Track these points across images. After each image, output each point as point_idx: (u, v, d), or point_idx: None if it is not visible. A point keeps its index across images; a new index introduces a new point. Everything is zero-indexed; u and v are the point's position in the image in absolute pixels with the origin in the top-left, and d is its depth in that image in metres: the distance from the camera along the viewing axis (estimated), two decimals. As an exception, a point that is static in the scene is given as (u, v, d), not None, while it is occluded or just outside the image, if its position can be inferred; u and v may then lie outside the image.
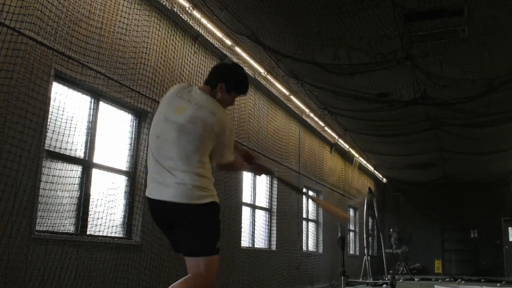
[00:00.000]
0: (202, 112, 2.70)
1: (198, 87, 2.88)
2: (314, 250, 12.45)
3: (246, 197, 8.84)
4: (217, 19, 6.52)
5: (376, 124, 10.96)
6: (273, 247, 9.67)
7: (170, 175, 2.62)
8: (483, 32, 6.76)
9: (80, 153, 5.12)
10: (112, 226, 5.41)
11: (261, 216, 9.57)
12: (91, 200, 5.16)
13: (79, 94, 5.14)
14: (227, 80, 2.85)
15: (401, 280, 14.74)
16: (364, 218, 14.48)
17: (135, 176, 5.82)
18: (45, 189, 4.54)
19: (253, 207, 9.16)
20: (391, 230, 18.94)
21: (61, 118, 4.78)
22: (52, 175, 4.65)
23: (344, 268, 8.72)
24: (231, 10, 6.25)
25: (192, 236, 2.64)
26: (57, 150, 4.72)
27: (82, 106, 5.17)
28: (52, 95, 4.65)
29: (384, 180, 19.55)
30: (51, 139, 4.65)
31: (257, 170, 3.23)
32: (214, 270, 2.64)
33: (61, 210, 4.75)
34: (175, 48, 6.40)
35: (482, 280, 13.99)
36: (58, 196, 4.72)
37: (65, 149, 4.82)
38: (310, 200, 12.42)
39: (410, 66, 7.56)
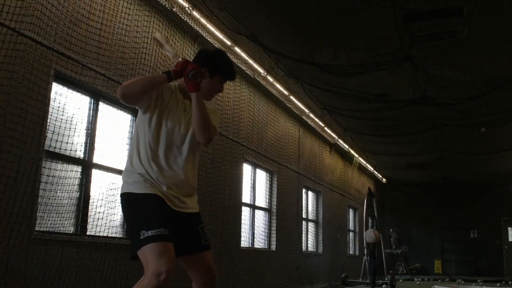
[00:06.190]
0: None
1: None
2: (314, 250, 12.45)
3: (246, 197, 8.84)
4: (216, 19, 6.52)
5: (375, 124, 10.96)
6: (273, 247, 9.66)
7: None
8: (483, 33, 6.76)
9: (79, 154, 5.12)
10: (112, 227, 5.41)
11: (260, 216, 9.56)
12: (91, 200, 5.15)
13: (79, 94, 5.13)
14: (210, 64, 2.74)
15: (400, 280, 14.73)
16: (364, 218, 14.47)
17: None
18: (45, 190, 4.54)
19: (253, 207, 9.16)
20: (390, 230, 18.93)
21: (61, 119, 4.77)
22: (52, 176, 4.65)
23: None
24: (231, 10, 6.24)
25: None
26: (56, 150, 4.71)
27: (81, 106, 5.17)
28: (52, 96, 4.65)
29: (384, 180, 19.55)
30: (50, 140, 4.64)
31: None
32: (151, 261, 2.42)
33: (61, 211, 4.75)
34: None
35: (478, 281, 13.94)
36: (58, 196, 4.72)
37: (65, 149, 4.81)
38: (309, 199, 12.41)
39: (410, 66, 7.56)
